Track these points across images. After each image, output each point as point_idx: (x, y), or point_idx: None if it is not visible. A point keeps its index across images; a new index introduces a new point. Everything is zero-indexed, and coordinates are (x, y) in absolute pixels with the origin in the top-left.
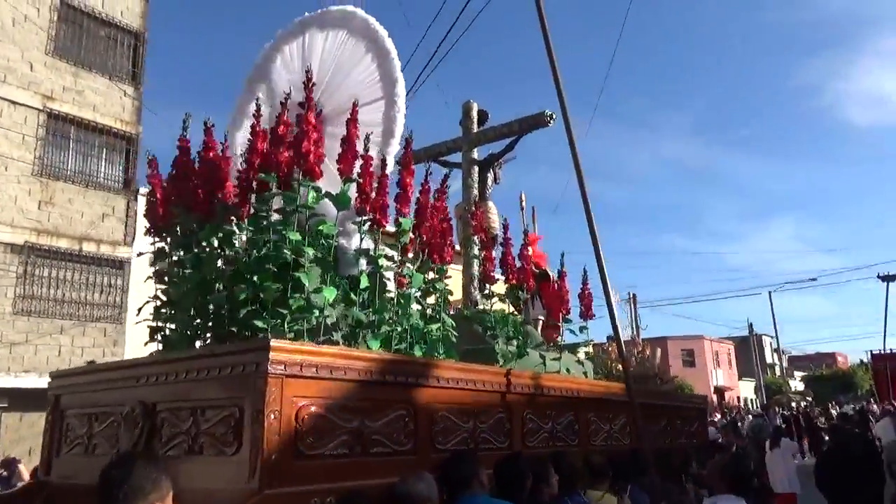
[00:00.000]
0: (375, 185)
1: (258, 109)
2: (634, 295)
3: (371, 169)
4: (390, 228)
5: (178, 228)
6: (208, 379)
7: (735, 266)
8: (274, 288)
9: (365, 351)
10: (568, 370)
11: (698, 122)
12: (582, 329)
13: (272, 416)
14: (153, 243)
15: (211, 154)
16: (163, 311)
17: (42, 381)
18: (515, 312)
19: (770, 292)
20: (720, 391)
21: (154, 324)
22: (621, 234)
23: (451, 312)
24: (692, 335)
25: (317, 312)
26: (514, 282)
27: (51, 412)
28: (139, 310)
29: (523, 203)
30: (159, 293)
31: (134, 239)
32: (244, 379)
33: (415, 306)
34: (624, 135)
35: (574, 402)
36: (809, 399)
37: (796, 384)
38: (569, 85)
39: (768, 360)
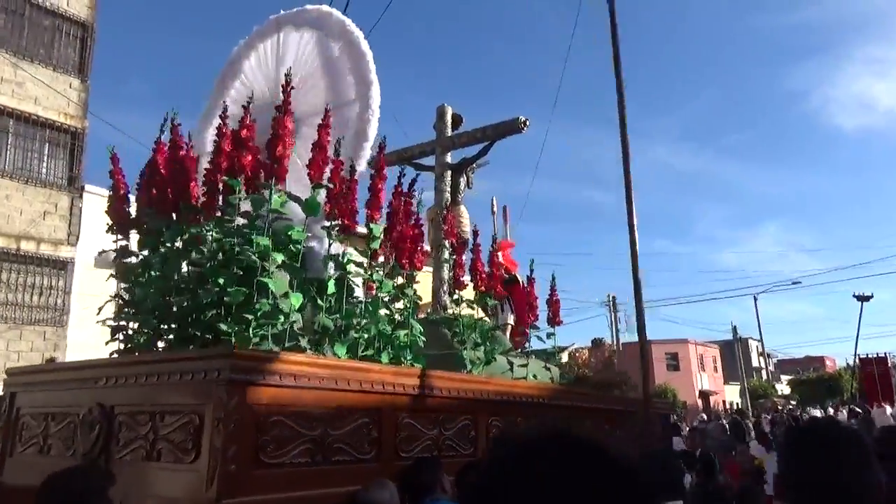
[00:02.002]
0: (345, 189)
1: (225, 110)
2: (614, 297)
3: (341, 173)
4: (363, 231)
5: (144, 227)
6: (169, 384)
7: (722, 269)
8: (239, 292)
9: (329, 358)
10: (535, 376)
11: (688, 128)
12: (549, 335)
13: (232, 425)
14: (115, 241)
15: (180, 153)
16: (126, 310)
17: None
18: (484, 318)
19: (755, 296)
20: (705, 395)
21: (115, 323)
22: (610, 239)
23: (421, 317)
24: (677, 339)
25: (282, 318)
26: (482, 288)
27: (6, 410)
28: (100, 309)
29: (494, 207)
30: (122, 292)
31: (78, 238)
32: (205, 386)
33: (383, 312)
34: (614, 141)
35: (539, 408)
36: (793, 403)
37: (783, 388)
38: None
39: (755, 363)
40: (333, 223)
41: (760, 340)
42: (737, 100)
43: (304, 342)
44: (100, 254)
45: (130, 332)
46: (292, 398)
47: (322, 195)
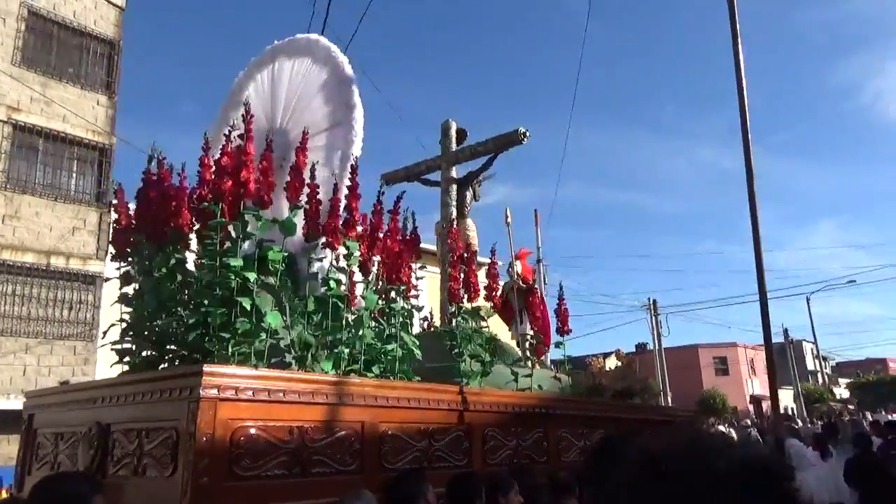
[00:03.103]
0: (328, 208)
1: (206, 142)
2: (654, 301)
3: (319, 195)
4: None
5: (139, 254)
6: (151, 402)
7: (774, 270)
8: (219, 312)
9: (304, 373)
10: (540, 386)
11: (734, 128)
12: (558, 345)
13: (204, 439)
14: (118, 268)
15: (165, 184)
16: (129, 333)
17: (4, 404)
18: (485, 328)
19: (808, 296)
20: (757, 400)
21: (120, 346)
22: (659, 243)
23: (425, 330)
24: (725, 342)
25: (263, 335)
26: (474, 301)
27: (25, 431)
28: (104, 333)
29: (508, 219)
30: (124, 316)
31: (107, 253)
32: (180, 402)
33: (373, 326)
34: (659, 143)
35: (541, 418)
36: (851, 407)
37: (841, 391)
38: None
39: (810, 366)
40: (320, 241)
41: (814, 342)
42: (784, 97)
43: (289, 358)
44: (106, 280)
45: (130, 354)
46: (267, 412)
47: (300, 216)
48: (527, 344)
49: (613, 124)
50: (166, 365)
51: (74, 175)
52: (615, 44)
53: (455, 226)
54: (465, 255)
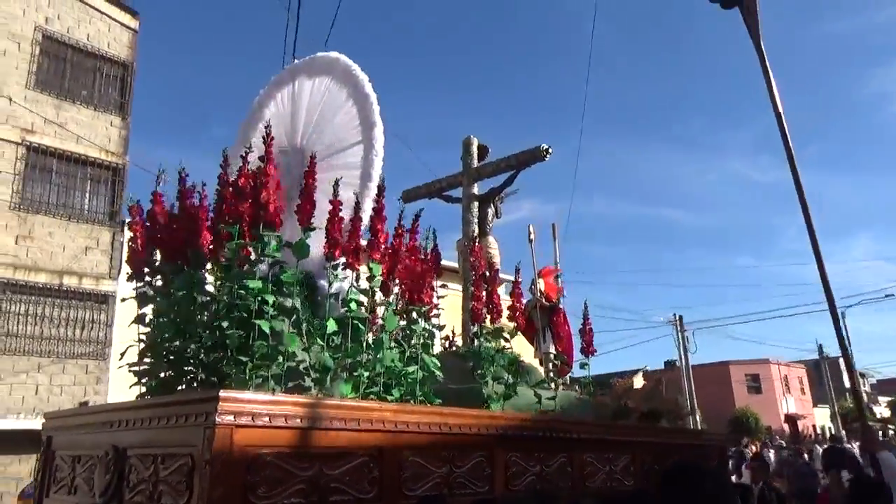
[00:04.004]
0: (348, 229)
1: (225, 160)
2: (681, 317)
3: (339, 214)
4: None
5: (157, 275)
6: (167, 427)
7: (799, 283)
8: (236, 335)
9: (322, 398)
10: (563, 408)
11: (763, 140)
12: (583, 366)
13: (219, 466)
14: (135, 288)
15: (186, 203)
16: (147, 354)
17: (15, 423)
18: (509, 349)
19: (842, 310)
20: (792, 419)
21: (138, 368)
22: (689, 258)
23: (447, 350)
24: (758, 359)
25: (280, 359)
26: (497, 322)
27: (43, 452)
28: (121, 354)
29: (532, 236)
30: (142, 337)
31: (119, 272)
32: (195, 428)
33: (393, 348)
34: (686, 156)
35: (565, 442)
36: (892, 427)
37: (882, 410)
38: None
39: (848, 384)
40: (334, 263)
41: (851, 358)
42: (815, 108)
43: (308, 381)
44: (122, 301)
45: (147, 375)
46: (284, 439)
47: (311, 238)
48: (550, 364)
49: (640, 139)
50: (184, 387)
51: (88, 195)
52: (641, 59)
53: (477, 243)
54: (488, 273)
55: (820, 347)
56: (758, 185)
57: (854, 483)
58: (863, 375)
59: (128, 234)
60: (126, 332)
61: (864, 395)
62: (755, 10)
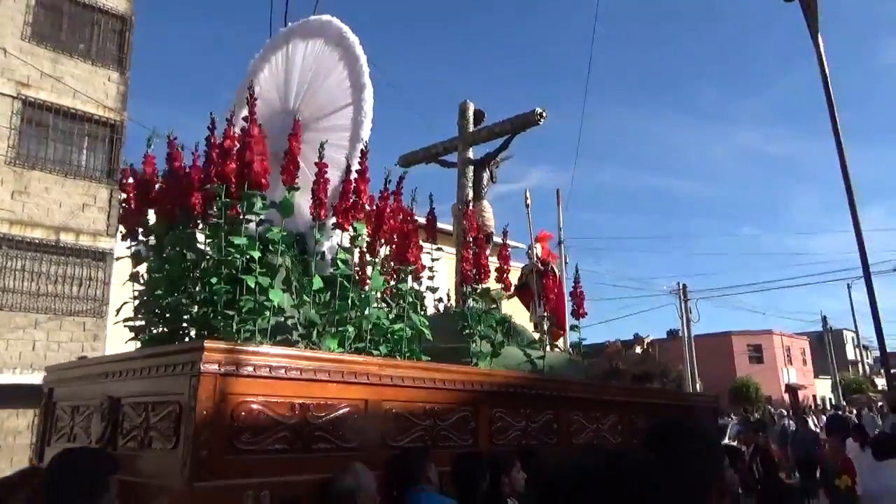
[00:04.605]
0: (339, 189)
1: (213, 122)
2: (684, 286)
3: (326, 175)
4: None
5: (150, 235)
6: (157, 376)
7: (816, 257)
8: (223, 290)
9: (307, 350)
10: (553, 368)
11: (777, 110)
12: (573, 328)
13: (204, 413)
14: (129, 247)
15: (175, 164)
16: (141, 311)
17: (13, 378)
18: (494, 309)
19: (849, 283)
20: (792, 389)
21: (133, 323)
22: (696, 228)
23: (439, 311)
24: (760, 330)
25: (268, 313)
26: (485, 283)
27: (44, 404)
28: (117, 310)
29: (528, 201)
30: (135, 294)
31: (117, 230)
32: (182, 377)
33: (382, 306)
34: (697, 127)
35: (552, 400)
36: (876, 398)
37: (883, 383)
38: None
39: (851, 356)
40: (320, 222)
41: (855, 331)
42: (833, 77)
43: (295, 336)
44: (117, 259)
45: (142, 330)
46: (269, 388)
47: (297, 195)
48: (544, 326)
49: (651, 108)
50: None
51: (85, 151)
52: (652, 25)
53: (471, 207)
54: (479, 236)
55: (824, 319)
56: (769, 156)
57: (876, 439)
58: (866, 348)
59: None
60: (123, 290)
61: (867, 367)
62: (815, 4)
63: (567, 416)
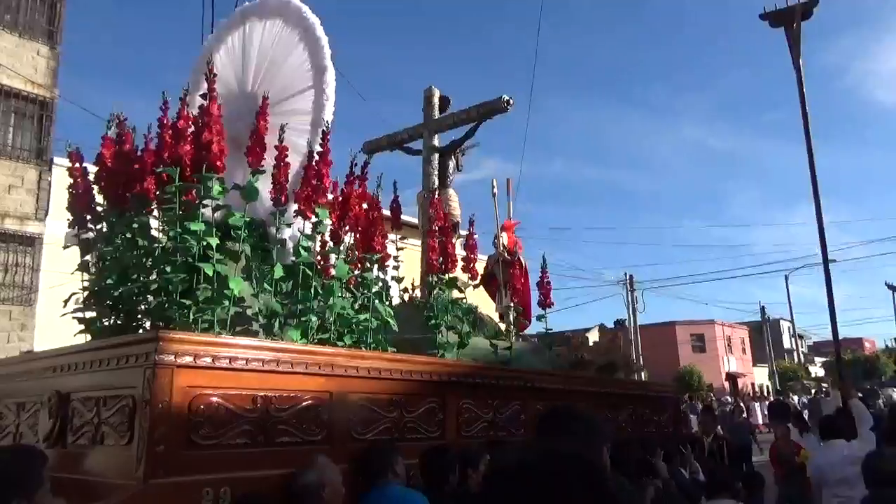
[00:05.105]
0: (301, 175)
1: (165, 102)
2: (631, 276)
3: (286, 160)
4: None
5: (101, 221)
6: (108, 370)
7: (749, 245)
8: (178, 279)
9: (268, 341)
10: (519, 358)
11: (721, 107)
12: (540, 318)
13: (160, 406)
14: (76, 234)
15: (126, 147)
16: (90, 301)
17: None
18: (463, 299)
19: (786, 275)
20: (733, 378)
21: (83, 315)
22: (641, 220)
23: (404, 302)
24: (703, 320)
25: (227, 303)
26: (452, 272)
27: None
28: (66, 301)
29: (495, 190)
30: (85, 283)
31: (47, 214)
32: (136, 369)
33: (346, 296)
34: (645, 121)
35: (519, 391)
36: (825, 385)
37: (817, 370)
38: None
39: (787, 345)
40: (280, 208)
41: (791, 321)
42: (769, 77)
43: (256, 326)
44: (65, 248)
45: (92, 323)
46: (228, 380)
47: (262, 181)
48: (510, 316)
49: (601, 101)
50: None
51: (12, 130)
52: (605, 20)
53: (437, 196)
54: (445, 225)
55: (763, 309)
56: (714, 151)
57: (822, 424)
58: (801, 337)
59: (56, 172)
60: (54, 277)
61: (801, 355)
62: (798, 34)
63: (534, 407)
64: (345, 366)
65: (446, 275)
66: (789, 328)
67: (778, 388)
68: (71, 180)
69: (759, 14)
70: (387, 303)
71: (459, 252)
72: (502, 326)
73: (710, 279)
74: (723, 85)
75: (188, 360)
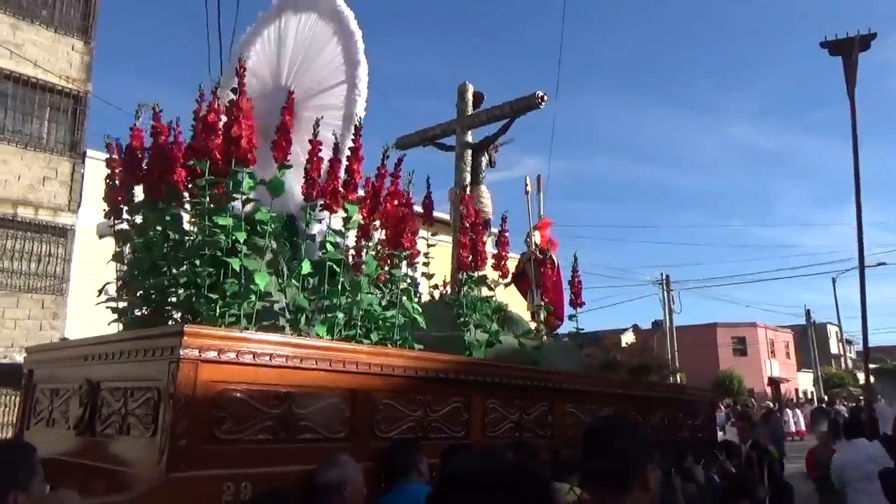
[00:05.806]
0: (328, 168)
1: (200, 94)
2: (667, 276)
3: (319, 154)
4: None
5: (136, 213)
6: (136, 361)
7: (797, 246)
8: (206, 272)
9: (293, 337)
10: (548, 358)
11: (768, 105)
12: (571, 317)
13: (183, 400)
14: (111, 226)
15: (161, 139)
16: (122, 291)
17: None
18: (493, 297)
19: (834, 277)
20: (775, 383)
21: (116, 305)
22: (686, 219)
23: (434, 299)
24: (744, 322)
25: (253, 297)
26: (482, 270)
27: (24, 386)
28: (100, 291)
29: (528, 188)
30: (118, 274)
31: (80, 205)
32: (161, 362)
33: (375, 292)
34: (687, 119)
35: (547, 391)
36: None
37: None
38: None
39: (834, 350)
40: (311, 203)
41: (839, 325)
42: (821, 74)
43: (282, 321)
44: (100, 238)
45: (124, 312)
46: (252, 375)
47: (288, 175)
48: (540, 316)
49: (643, 99)
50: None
51: (47, 123)
52: (648, 20)
53: (468, 192)
54: (477, 222)
55: (808, 313)
56: (760, 150)
57: (845, 424)
58: (849, 342)
59: (90, 164)
60: (85, 267)
61: (850, 361)
62: (855, 64)
63: (562, 409)
64: (368, 363)
65: (476, 272)
66: (837, 333)
67: (821, 395)
68: (107, 171)
69: (820, 42)
70: (415, 300)
71: (490, 249)
72: (533, 325)
73: (750, 280)
74: (768, 83)
75: (212, 354)
